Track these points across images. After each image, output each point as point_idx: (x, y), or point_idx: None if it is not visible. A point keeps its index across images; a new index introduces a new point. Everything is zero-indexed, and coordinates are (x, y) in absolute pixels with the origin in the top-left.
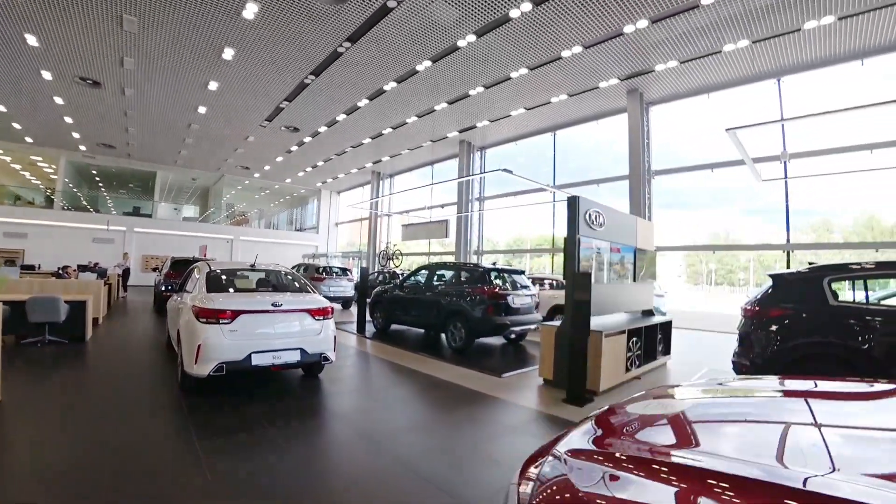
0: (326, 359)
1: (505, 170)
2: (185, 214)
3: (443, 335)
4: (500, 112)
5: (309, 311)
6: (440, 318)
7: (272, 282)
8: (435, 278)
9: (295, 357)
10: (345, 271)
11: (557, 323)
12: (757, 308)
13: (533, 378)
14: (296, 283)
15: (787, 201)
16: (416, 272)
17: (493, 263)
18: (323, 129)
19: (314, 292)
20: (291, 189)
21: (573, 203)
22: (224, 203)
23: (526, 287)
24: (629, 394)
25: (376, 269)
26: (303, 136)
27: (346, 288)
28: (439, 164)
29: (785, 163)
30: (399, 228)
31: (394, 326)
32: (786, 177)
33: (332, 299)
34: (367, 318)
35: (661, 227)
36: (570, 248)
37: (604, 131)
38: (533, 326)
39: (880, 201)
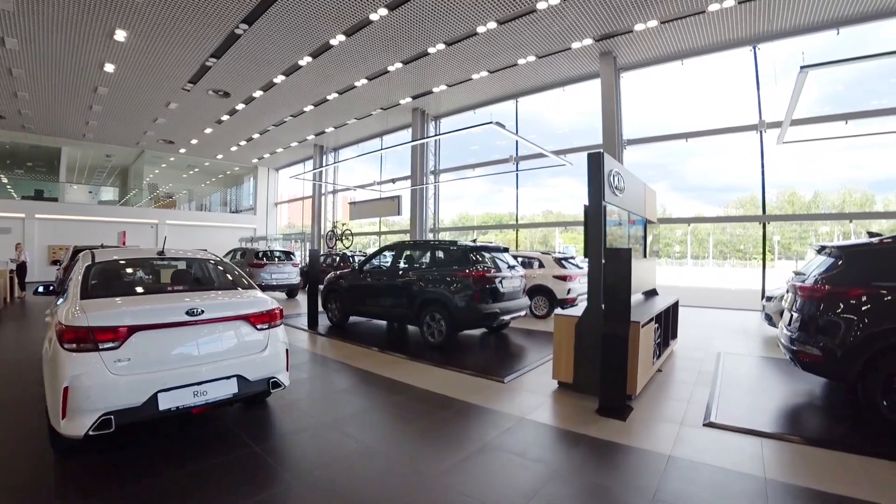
0: (277, 385)
1: (497, 123)
2: (104, 198)
3: (417, 328)
4: (461, 75)
5: (247, 318)
6: (413, 307)
7: (193, 277)
8: (404, 261)
9: (229, 389)
10: (288, 255)
11: (573, 312)
12: (827, 287)
13: (543, 380)
14: (227, 277)
15: (763, 174)
16: (378, 254)
17: (473, 241)
18: (258, 93)
19: (252, 287)
20: (224, 166)
21: (596, 161)
22: (147, 184)
23: (514, 268)
24: (664, 395)
25: (323, 252)
26: (235, 102)
27: (291, 274)
28: (390, 135)
29: (762, 132)
30: (346, 208)
31: (353, 318)
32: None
33: (275, 288)
34: (320, 309)
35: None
36: (596, 217)
37: (570, 100)
38: (522, 313)
39: (798, 177)
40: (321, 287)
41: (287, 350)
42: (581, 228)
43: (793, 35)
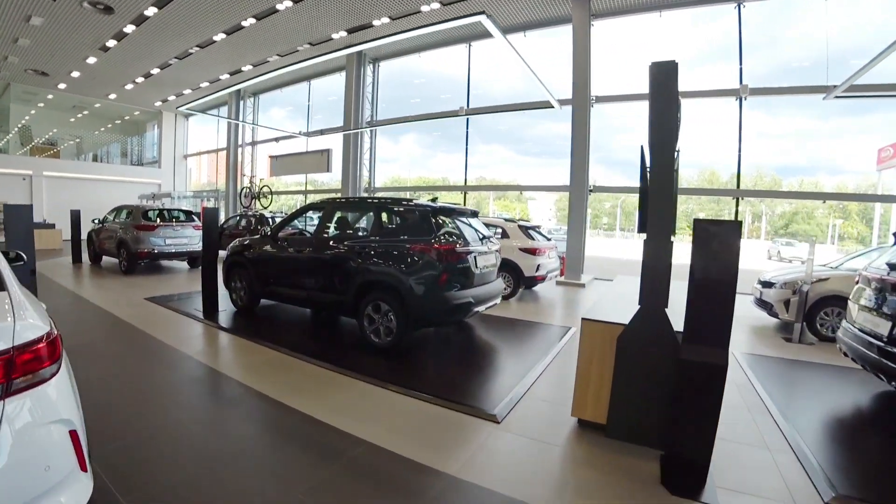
0: None
1: (487, 14)
2: None
3: (354, 320)
4: (408, 4)
5: None
6: (348, 292)
7: None
8: (335, 225)
9: None
10: (190, 216)
11: (606, 315)
12: None
13: (551, 413)
14: None
15: (739, 147)
16: (299, 214)
17: (433, 200)
18: (151, 10)
19: (6, 290)
20: (122, 110)
21: (666, 74)
22: (20, 128)
23: (487, 240)
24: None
25: (237, 213)
26: (121, 21)
27: (193, 239)
28: (320, 80)
29: (741, 99)
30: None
31: (265, 302)
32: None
33: (171, 256)
34: (222, 288)
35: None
36: (666, 168)
37: (530, 49)
38: (497, 301)
39: (716, 158)
40: (224, 255)
41: (74, 434)
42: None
43: None
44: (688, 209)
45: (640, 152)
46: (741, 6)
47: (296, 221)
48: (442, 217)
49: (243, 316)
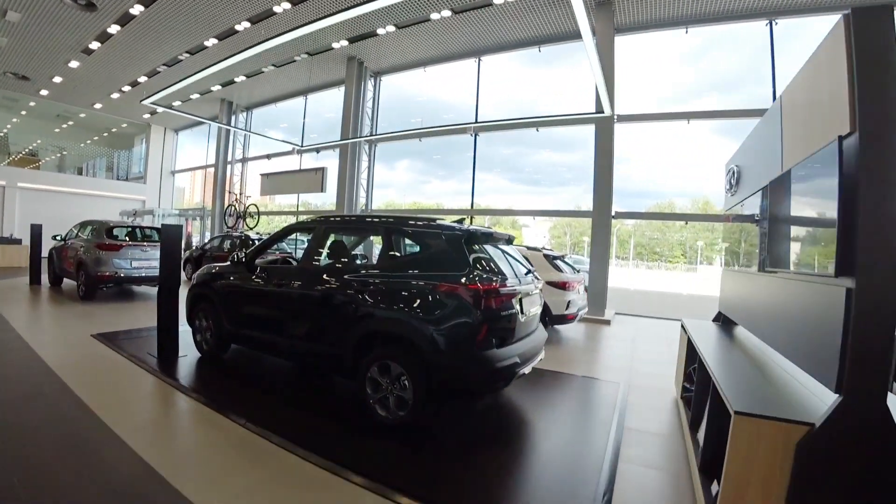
0: None
1: None
2: None
3: (352, 380)
4: (416, 12)
5: None
6: (346, 344)
7: None
8: (331, 251)
9: None
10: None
11: (774, 409)
12: None
13: None
14: None
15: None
16: (282, 236)
17: (460, 221)
18: (137, 8)
19: None
20: (108, 122)
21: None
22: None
23: (531, 275)
24: None
25: (220, 233)
26: (105, 20)
27: None
28: (317, 94)
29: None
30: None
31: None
32: None
33: (137, 280)
34: (184, 325)
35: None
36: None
37: (543, 65)
38: (541, 357)
39: (710, 188)
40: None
41: None
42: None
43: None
44: (683, 238)
45: (839, 148)
46: (773, 23)
47: (277, 246)
48: (476, 244)
49: (208, 366)
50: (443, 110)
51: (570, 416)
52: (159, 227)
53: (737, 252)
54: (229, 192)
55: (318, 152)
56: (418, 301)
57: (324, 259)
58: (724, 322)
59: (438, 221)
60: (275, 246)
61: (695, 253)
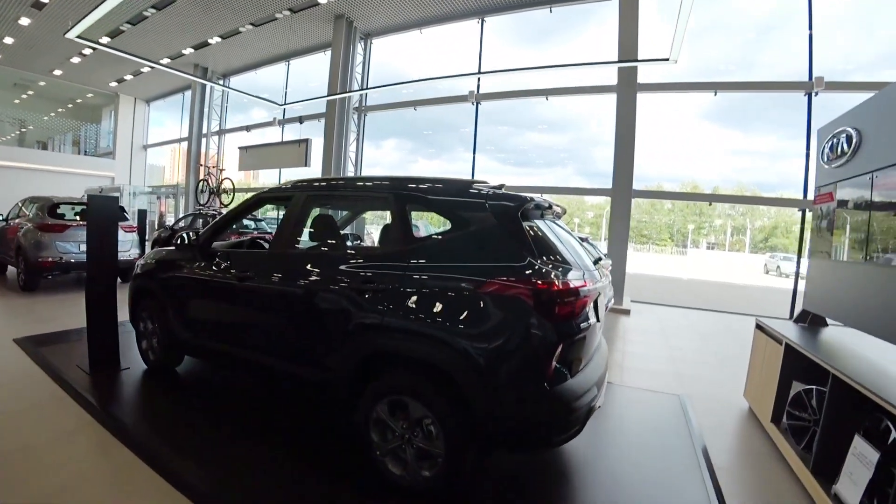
0: None
1: None
2: None
3: (349, 420)
4: None
5: None
6: (341, 367)
7: None
8: (316, 231)
9: None
10: (121, 213)
11: None
12: None
13: None
14: None
15: (807, 154)
16: (248, 209)
17: (498, 187)
18: None
19: None
20: (72, 91)
21: None
22: None
23: (601, 262)
24: None
25: (192, 211)
26: None
27: (123, 244)
28: (301, 59)
29: (811, 94)
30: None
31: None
32: None
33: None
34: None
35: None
36: None
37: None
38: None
39: (697, 173)
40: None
41: None
42: None
43: None
44: (670, 221)
45: None
46: None
47: (241, 222)
48: (535, 220)
49: (155, 383)
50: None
51: (644, 453)
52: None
53: (841, 238)
54: (202, 166)
55: (301, 122)
56: (452, 307)
57: (306, 242)
58: (812, 323)
59: (477, 184)
60: (243, 223)
61: (682, 236)
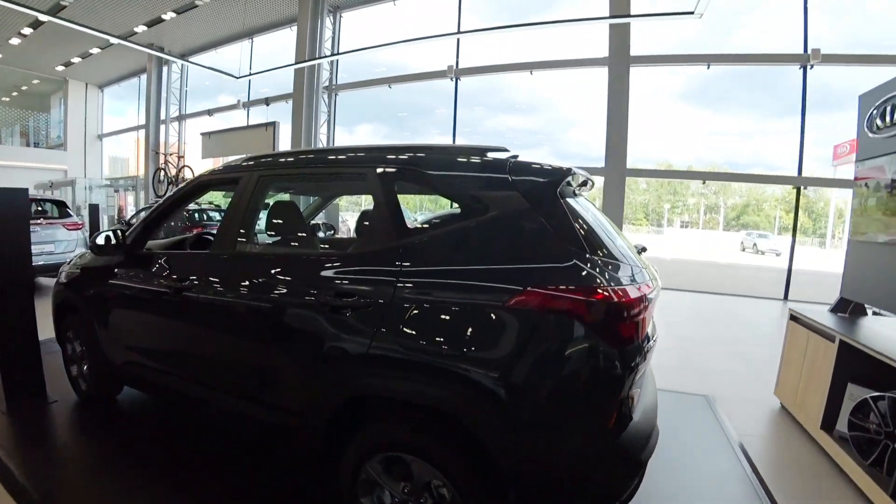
0: None
1: None
2: None
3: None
4: None
5: None
6: (314, 414)
7: None
8: (277, 221)
9: None
10: (64, 210)
11: None
12: None
13: None
14: None
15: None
16: (190, 194)
17: (515, 157)
18: None
19: None
20: (16, 78)
21: None
22: None
23: (644, 254)
24: None
25: (147, 204)
26: None
27: (68, 244)
28: (264, 36)
29: (806, 67)
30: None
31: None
32: None
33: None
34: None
35: None
36: None
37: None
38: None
39: (670, 153)
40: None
41: None
42: None
43: None
44: (645, 200)
45: None
46: None
47: (182, 213)
48: (574, 199)
49: (87, 420)
50: (415, 60)
51: (682, 464)
52: (58, 199)
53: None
54: (159, 153)
55: (267, 104)
56: (469, 330)
57: (263, 236)
58: (853, 313)
59: (492, 154)
60: (180, 214)
61: (657, 216)
